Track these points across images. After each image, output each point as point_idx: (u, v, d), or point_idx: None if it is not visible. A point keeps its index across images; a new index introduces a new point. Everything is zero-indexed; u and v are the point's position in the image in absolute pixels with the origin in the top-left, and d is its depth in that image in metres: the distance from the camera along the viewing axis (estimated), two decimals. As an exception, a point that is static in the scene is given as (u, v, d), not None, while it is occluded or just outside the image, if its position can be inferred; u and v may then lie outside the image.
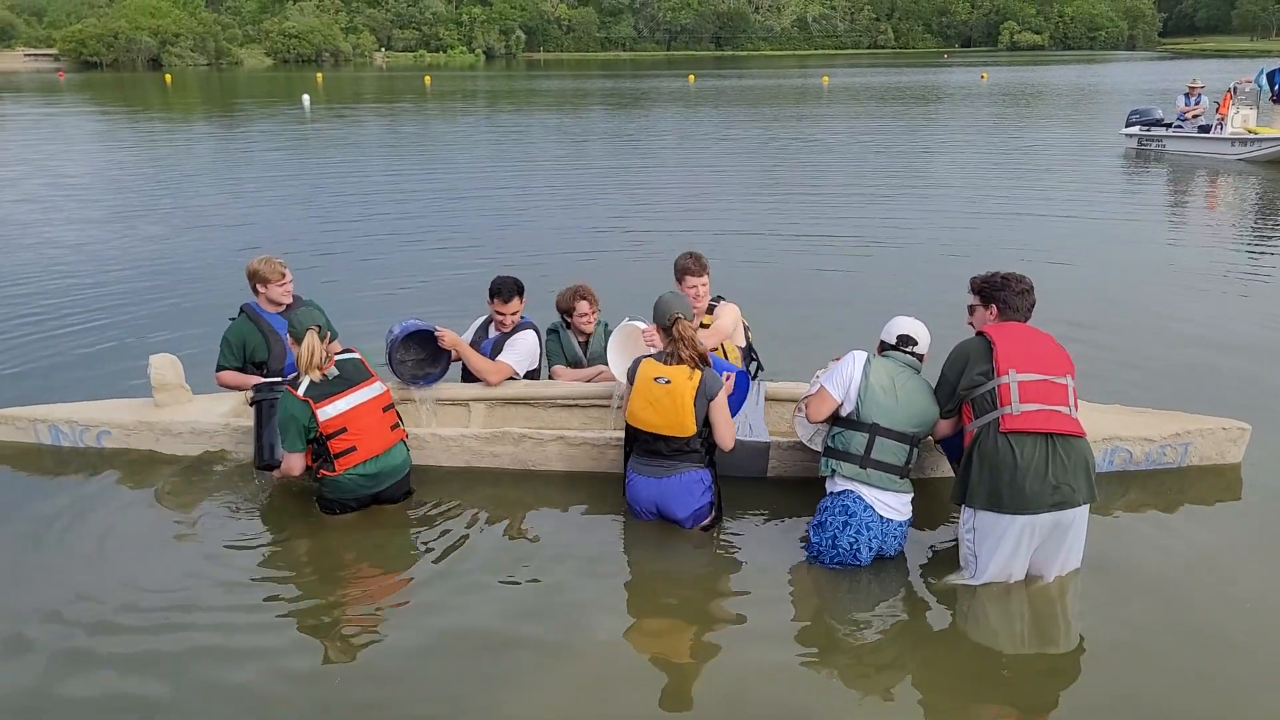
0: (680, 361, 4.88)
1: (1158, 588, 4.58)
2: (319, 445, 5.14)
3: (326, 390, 5.12)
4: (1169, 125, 21.74)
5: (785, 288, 10.28)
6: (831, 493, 4.74)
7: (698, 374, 4.86)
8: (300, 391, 5.07)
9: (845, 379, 4.69)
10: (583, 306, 6.24)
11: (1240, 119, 20.25)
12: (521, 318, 6.29)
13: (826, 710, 3.83)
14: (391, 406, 5.43)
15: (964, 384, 4.49)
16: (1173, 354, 7.94)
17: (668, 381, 4.85)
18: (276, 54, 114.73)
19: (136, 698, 3.96)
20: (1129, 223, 13.95)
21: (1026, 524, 4.29)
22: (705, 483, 5.03)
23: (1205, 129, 20.80)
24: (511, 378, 6.18)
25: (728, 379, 5.06)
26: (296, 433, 5.10)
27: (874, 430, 4.60)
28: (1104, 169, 19.87)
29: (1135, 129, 22.27)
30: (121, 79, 74.66)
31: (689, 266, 5.96)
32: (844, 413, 4.72)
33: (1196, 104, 21.51)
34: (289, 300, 6.20)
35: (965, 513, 4.46)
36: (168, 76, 76.46)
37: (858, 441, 4.63)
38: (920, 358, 4.87)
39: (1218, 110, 20.60)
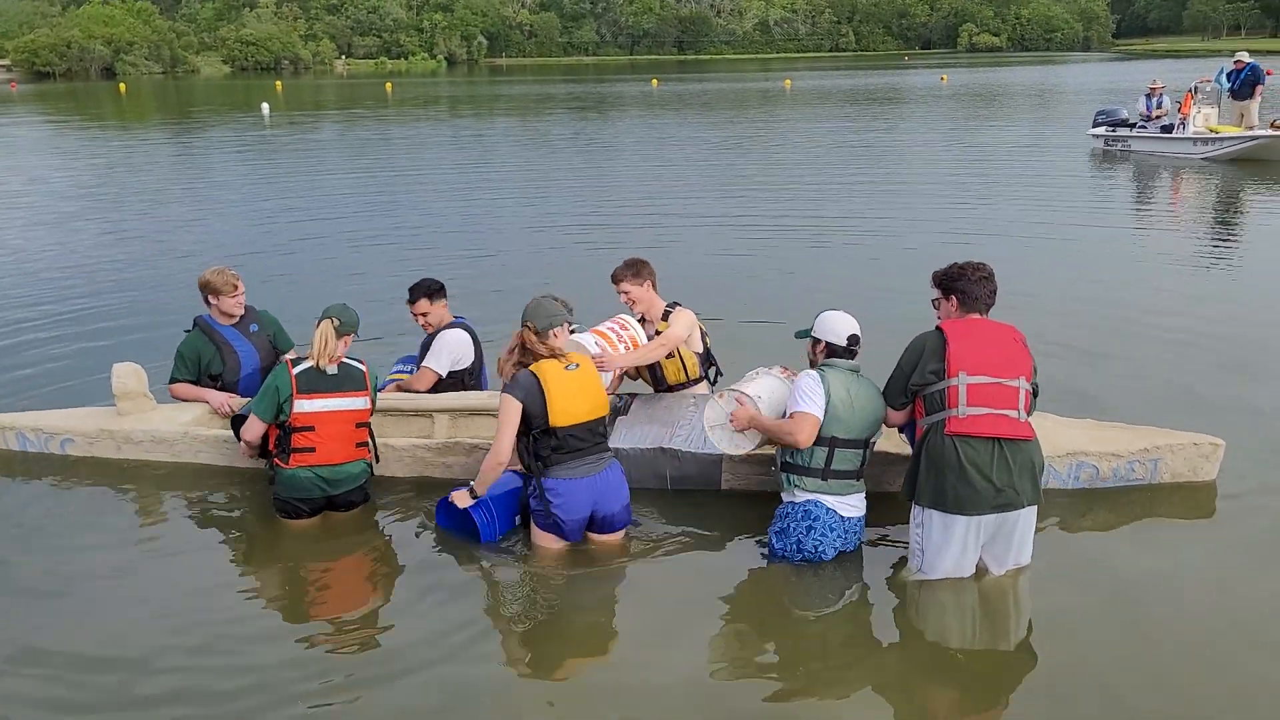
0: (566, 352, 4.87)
1: (1113, 601, 4.46)
2: (283, 433, 5.16)
3: (315, 384, 5.15)
4: (1134, 125, 21.83)
5: (748, 290, 10.17)
6: (792, 502, 4.71)
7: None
8: (295, 370, 5.13)
9: (821, 399, 4.56)
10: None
11: (1202, 118, 20.36)
12: (457, 317, 6.27)
13: (788, 702, 3.89)
14: (366, 425, 5.36)
15: (916, 379, 4.47)
16: (1147, 360, 7.76)
17: (576, 366, 4.82)
18: (234, 62, 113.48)
19: (87, 700, 3.94)
20: (1099, 224, 13.91)
21: (971, 524, 4.35)
22: (622, 471, 4.98)
23: (1168, 129, 20.91)
24: (439, 380, 6.13)
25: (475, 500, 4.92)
26: (270, 403, 5.14)
27: (833, 443, 4.59)
28: (1072, 170, 19.92)
29: (1101, 129, 22.36)
30: (75, 89, 73.58)
31: (615, 272, 5.97)
32: None
33: (1159, 105, 21.61)
34: (240, 312, 6.22)
35: (914, 509, 4.53)
36: (122, 86, 75.30)
37: (818, 456, 4.60)
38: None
39: (1180, 110, 20.71)
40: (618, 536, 4.99)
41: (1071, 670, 3.98)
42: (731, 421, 4.84)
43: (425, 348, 6.20)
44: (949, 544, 4.42)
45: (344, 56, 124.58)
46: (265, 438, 5.32)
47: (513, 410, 4.68)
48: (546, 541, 4.89)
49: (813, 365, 4.82)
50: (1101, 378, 7.33)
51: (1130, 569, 4.72)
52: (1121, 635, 4.21)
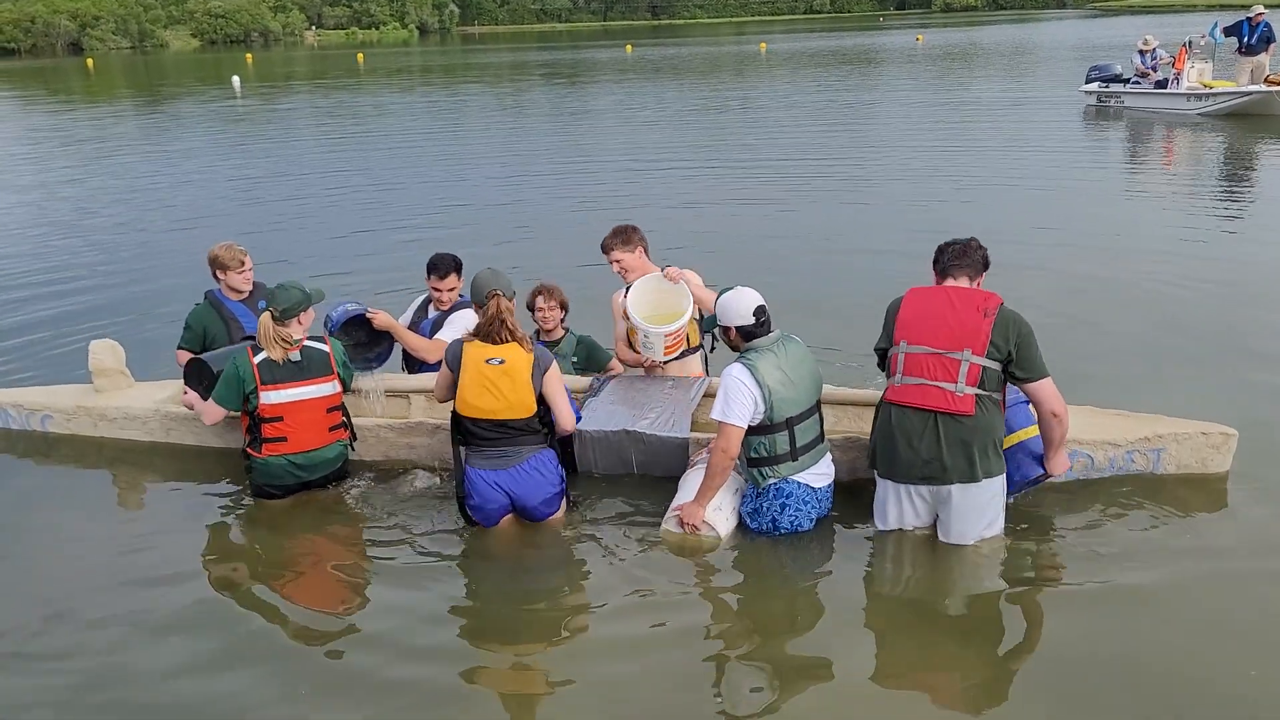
0: (508, 340, 4.64)
1: (1081, 595, 4.19)
2: (253, 422, 5.07)
3: (278, 374, 5.01)
4: (1127, 81, 21.49)
5: (736, 260, 9.80)
6: (759, 484, 4.57)
7: (530, 351, 4.67)
8: (256, 359, 4.98)
9: (749, 403, 4.36)
10: (538, 302, 5.89)
11: (1195, 73, 20.06)
12: (461, 296, 6.05)
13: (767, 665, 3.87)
14: (338, 408, 5.26)
15: (880, 344, 4.50)
16: (1147, 329, 7.36)
17: (502, 361, 4.59)
18: (203, 35, 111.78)
19: (64, 687, 3.87)
20: (1096, 187, 13.40)
21: (903, 490, 4.41)
22: (553, 462, 4.77)
23: (1162, 84, 20.59)
24: None
25: None
26: (234, 391, 5.03)
27: (789, 424, 4.47)
28: (1065, 128, 19.59)
29: (1094, 85, 21.98)
30: (42, 66, 72.13)
31: (604, 241, 5.71)
32: (756, 423, 4.44)
33: (1154, 58, 21.24)
34: (249, 288, 6.04)
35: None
36: (90, 61, 73.95)
37: (782, 442, 4.48)
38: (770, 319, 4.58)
39: (1174, 65, 20.38)
40: (552, 520, 4.84)
41: (1033, 657, 3.88)
42: (687, 525, 4.59)
43: (436, 324, 6.01)
44: (889, 504, 4.50)
45: (314, 27, 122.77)
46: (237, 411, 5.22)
47: (444, 370, 4.76)
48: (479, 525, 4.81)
49: (735, 349, 4.61)
50: (1099, 348, 6.92)
51: (1112, 556, 4.39)
52: (1074, 606, 4.11)
